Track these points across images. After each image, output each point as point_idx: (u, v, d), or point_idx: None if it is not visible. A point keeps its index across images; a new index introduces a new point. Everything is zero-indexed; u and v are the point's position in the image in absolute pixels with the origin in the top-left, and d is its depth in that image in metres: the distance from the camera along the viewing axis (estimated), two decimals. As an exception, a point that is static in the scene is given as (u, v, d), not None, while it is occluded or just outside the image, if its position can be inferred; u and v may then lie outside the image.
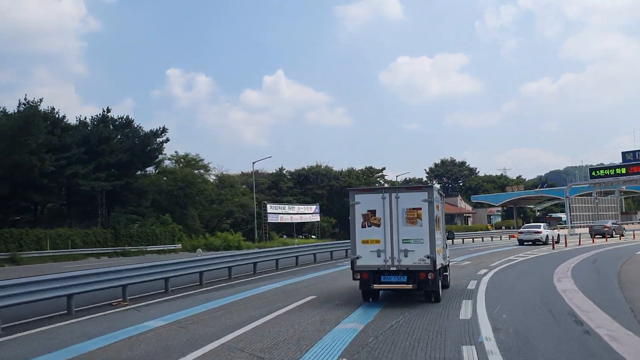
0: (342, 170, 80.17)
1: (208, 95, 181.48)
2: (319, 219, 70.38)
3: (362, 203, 12.21)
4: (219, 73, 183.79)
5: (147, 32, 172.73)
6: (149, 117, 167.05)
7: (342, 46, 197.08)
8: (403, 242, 11.74)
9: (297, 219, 67.22)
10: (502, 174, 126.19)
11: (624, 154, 59.48)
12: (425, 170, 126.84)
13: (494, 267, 20.65)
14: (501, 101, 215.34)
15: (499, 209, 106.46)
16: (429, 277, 11.56)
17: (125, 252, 41.52)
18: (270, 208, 62.42)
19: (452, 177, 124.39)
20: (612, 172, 58.65)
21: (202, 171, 62.99)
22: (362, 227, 12.10)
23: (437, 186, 13.08)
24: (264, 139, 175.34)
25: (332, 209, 75.32)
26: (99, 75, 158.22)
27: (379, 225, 11.94)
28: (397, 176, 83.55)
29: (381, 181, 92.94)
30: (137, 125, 49.13)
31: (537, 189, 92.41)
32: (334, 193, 75.56)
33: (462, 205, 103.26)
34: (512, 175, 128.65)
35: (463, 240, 48.76)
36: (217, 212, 61.93)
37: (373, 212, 12.04)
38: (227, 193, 64.33)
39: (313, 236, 70.29)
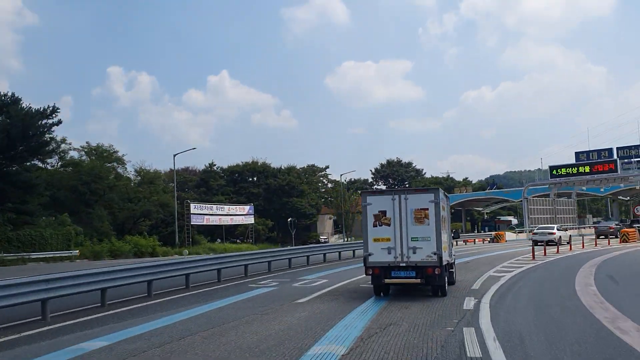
0: (281, 168, 72.65)
1: (150, 95, 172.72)
2: (253, 221, 62.58)
3: (374, 204, 13.13)
4: (162, 72, 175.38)
5: (87, 27, 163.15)
6: (88, 116, 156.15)
7: (288, 48, 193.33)
8: (412, 240, 12.72)
9: (227, 220, 59.14)
10: (448, 176, 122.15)
11: (577, 154, 55.00)
12: (371, 170, 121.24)
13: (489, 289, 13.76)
14: (443, 108, 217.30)
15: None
16: (436, 272, 12.58)
17: (-3, 260, 32.49)
18: (194, 208, 54.02)
19: (398, 178, 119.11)
20: (574, 170, 53.82)
21: (115, 164, 53.83)
22: (374, 226, 13.01)
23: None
24: (209, 140, 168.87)
25: (269, 210, 67.68)
26: (35, 71, 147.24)
27: (389, 225, 12.89)
28: (341, 175, 76.88)
29: (324, 180, 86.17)
30: (26, 106, 39.87)
31: (487, 190, 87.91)
32: (272, 192, 67.96)
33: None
34: (457, 178, 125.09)
35: None
36: (132, 212, 53.02)
37: (384, 213, 12.96)
38: (145, 190, 55.48)
39: (249, 240, 62.50)
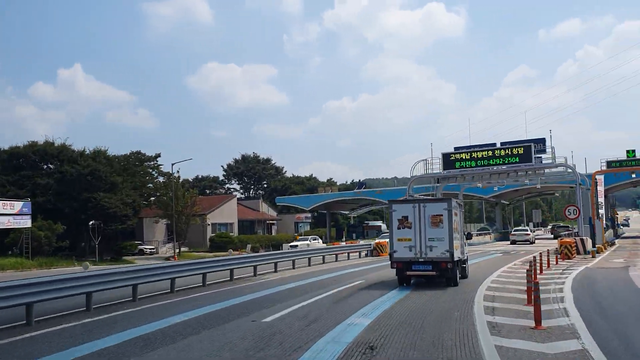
0: (84, 151, 52.39)
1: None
2: (30, 225, 42.17)
3: (398, 211, 16.60)
4: (5, 60, 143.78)
5: None
6: None
7: (148, 45, 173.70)
8: (429, 240, 16.09)
9: (-23, 223, 38.19)
10: (311, 175, 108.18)
11: (456, 149, 42.71)
12: (222, 167, 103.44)
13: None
14: (307, 115, 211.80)
15: (309, 214, 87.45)
16: (448, 267, 15.91)
17: None
18: None
19: (255, 175, 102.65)
20: (471, 161, 40.99)
21: None
22: (398, 229, 16.47)
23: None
24: (59, 138, 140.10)
25: (63, 210, 47.30)
26: None
27: (410, 227, 16.32)
28: (172, 164, 58.33)
29: (153, 172, 66.73)
30: None
31: (356, 190, 74.52)
32: (68, 184, 47.66)
33: (265, 210, 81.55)
34: (320, 179, 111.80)
35: (278, 266, 25.71)
36: None
37: (406, 218, 16.40)
38: None
39: (26, 254, 41.97)
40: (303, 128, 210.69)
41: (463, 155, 41.38)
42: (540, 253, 22.86)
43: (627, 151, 47.85)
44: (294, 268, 25.45)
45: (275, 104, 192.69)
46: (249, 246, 62.16)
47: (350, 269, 24.38)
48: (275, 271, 23.84)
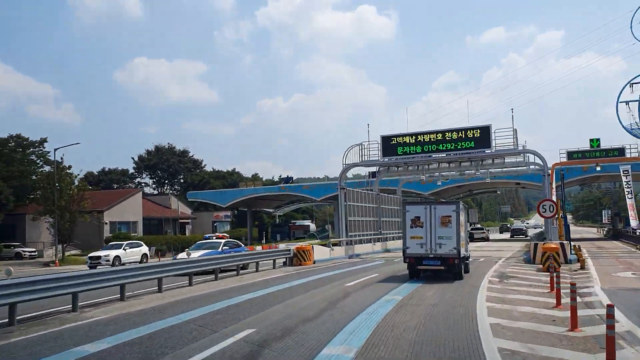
0: None
1: None
2: None
3: (411, 211, 18.24)
4: None
5: None
6: None
7: (73, 37, 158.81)
8: (438, 238, 17.76)
9: None
10: (234, 170, 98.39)
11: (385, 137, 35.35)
12: (133, 159, 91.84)
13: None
14: (240, 114, 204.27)
15: (228, 212, 77.99)
16: (455, 262, 17.58)
17: None
18: None
19: (169, 169, 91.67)
20: (415, 144, 33.26)
21: None
22: (411, 228, 18.08)
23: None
24: None
25: None
26: None
27: (422, 227, 17.96)
28: (55, 149, 47.02)
29: (36, 159, 55.11)
30: None
31: (282, 186, 65.80)
32: None
33: (177, 207, 71.07)
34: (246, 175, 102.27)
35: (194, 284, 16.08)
36: None
37: (418, 218, 18.03)
38: None
39: None
40: (235, 127, 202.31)
41: (407, 139, 33.62)
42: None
43: (591, 140, 41.78)
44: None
45: (206, 101, 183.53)
46: (152, 248, 52.02)
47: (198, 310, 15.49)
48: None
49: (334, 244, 32.77)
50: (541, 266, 21.13)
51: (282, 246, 38.42)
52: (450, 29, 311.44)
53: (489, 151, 31.61)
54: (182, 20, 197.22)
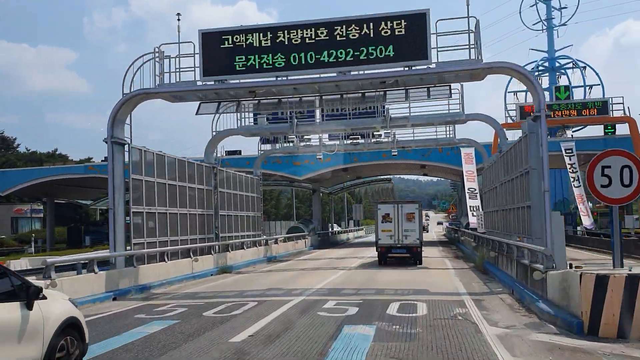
0: None
1: None
2: None
3: (382, 209, 23.03)
4: None
5: None
6: None
7: None
8: (404, 231, 22.48)
9: None
10: (55, 151, 75.08)
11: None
12: None
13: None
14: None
15: (39, 206, 55.86)
16: (418, 250, 22.75)
17: None
18: None
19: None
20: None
21: None
22: (382, 222, 22.74)
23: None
24: None
25: None
26: None
27: (391, 222, 22.59)
28: None
29: None
30: None
31: (89, 165, 44.95)
32: None
33: None
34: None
35: None
36: None
37: (388, 214, 22.73)
38: None
39: None
40: (105, 118, 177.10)
41: (254, 39, 15.75)
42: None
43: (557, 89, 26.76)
44: None
45: (75, 91, 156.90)
46: None
47: None
48: None
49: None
50: None
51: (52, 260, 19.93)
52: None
53: (427, 67, 14.87)
54: (47, 2, 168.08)
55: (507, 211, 19.05)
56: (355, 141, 29.22)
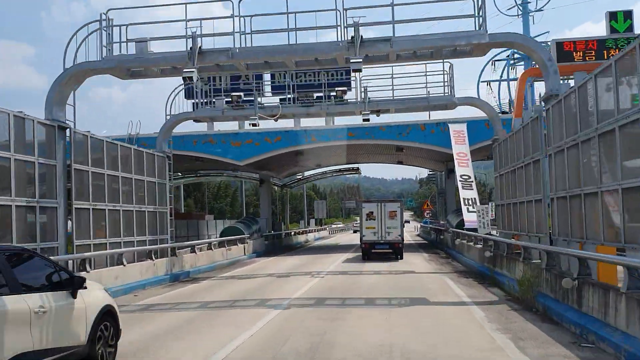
0: None
1: None
2: None
3: (366, 207, 24.49)
4: None
5: None
6: None
7: None
8: (387, 228, 23.74)
9: None
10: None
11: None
12: None
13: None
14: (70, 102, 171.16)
15: None
16: (400, 246, 24.14)
17: None
18: None
19: None
20: None
21: None
22: (366, 220, 24.07)
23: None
24: None
25: None
26: None
27: (374, 219, 23.84)
28: None
29: None
30: None
31: None
32: None
33: None
34: None
35: None
36: None
37: (372, 212, 24.06)
38: None
39: None
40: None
41: None
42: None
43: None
44: None
45: (35, 87, 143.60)
46: None
47: None
48: None
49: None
50: None
51: None
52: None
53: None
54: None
55: (572, 199, 10.06)
56: (309, 100, 19.87)
